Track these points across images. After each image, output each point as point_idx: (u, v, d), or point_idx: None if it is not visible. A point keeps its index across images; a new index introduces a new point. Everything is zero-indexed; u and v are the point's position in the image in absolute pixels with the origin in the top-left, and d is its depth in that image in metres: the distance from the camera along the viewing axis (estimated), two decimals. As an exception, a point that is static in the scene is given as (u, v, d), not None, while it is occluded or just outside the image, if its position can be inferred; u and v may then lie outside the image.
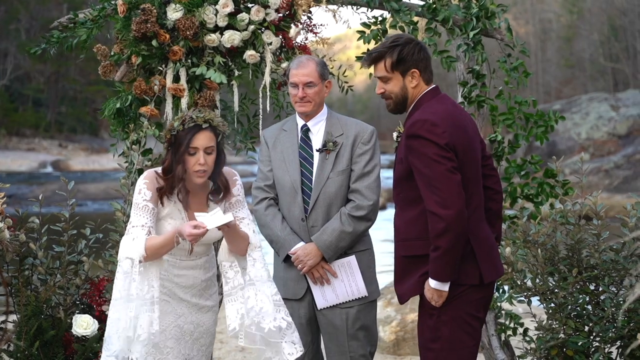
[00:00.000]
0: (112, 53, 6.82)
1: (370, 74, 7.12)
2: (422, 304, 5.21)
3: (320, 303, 5.91)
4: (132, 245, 5.00)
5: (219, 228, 4.95)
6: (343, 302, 5.90)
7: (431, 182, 4.91)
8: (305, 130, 5.96)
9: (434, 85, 5.25)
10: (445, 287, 5.01)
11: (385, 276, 16.33)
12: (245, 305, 5.12)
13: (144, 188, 5.16)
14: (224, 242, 5.23)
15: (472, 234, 5.08)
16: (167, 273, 5.25)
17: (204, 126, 5.08)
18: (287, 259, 5.91)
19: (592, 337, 6.35)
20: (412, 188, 5.08)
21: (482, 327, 5.28)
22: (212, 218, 4.90)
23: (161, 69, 6.67)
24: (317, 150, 5.92)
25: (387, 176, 47.18)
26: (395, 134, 5.55)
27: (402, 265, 5.22)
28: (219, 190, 5.26)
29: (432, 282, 5.02)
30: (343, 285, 5.90)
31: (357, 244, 5.93)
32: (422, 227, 5.06)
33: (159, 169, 5.21)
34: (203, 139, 5.08)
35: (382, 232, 24.11)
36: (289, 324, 5.19)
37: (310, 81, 5.88)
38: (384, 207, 33.65)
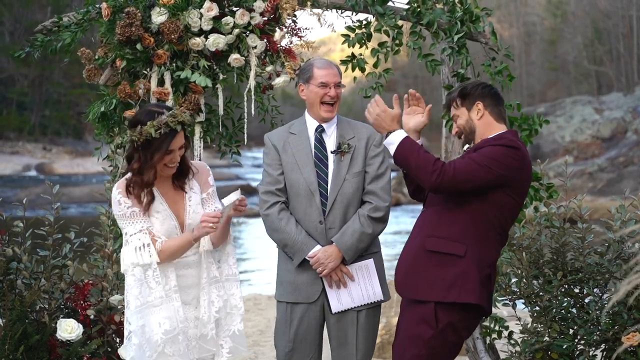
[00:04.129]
0: (96, 57, 6.80)
1: (355, 78, 7.14)
2: (420, 315, 5.25)
3: (335, 307, 5.88)
4: (141, 252, 5.04)
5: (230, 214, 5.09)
6: (357, 306, 5.91)
7: (471, 158, 5.14)
8: (320, 131, 5.97)
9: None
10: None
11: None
12: (217, 303, 5.21)
13: (121, 198, 5.16)
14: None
15: (493, 266, 5.27)
16: None
17: (178, 129, 5.09)
18: (300, 262, 5.91)
19: (576, 340, 6.37)
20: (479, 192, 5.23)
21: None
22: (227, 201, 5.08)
23: (146, 72, 6.66)
24: (332, 152, 5.93)
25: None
26: (466, 147, 5.67)
27: (420, 258, 5.30)
28: (182, 171, 5.28)
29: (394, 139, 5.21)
30: (359, 288, 5.89)
31: (369, 246, 5.95)
32: (459, 229, 5.19)
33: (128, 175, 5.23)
34: (179, 141, 5.11)
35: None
36: (242, 328, 5.35)
37: (340, 81, 5.96)
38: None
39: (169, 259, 5.09)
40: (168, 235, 5.11)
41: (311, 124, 6.00)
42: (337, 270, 5.84)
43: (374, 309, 5.98)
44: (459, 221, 5.20)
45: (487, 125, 5.36)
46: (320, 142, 5.96)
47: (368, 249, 5.94)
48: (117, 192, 5.17)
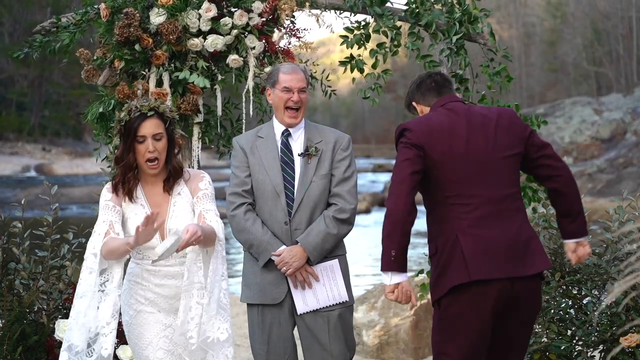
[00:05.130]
0: (95, 57, 6.81)
1: (354, 79, 7.15)
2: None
3: (301, 308, 5.88)
4: (92, 240, 5.06)
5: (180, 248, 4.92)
6: (323, 307, 5.92)
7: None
8: (287, 135, 5.97)
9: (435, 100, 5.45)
10: (386, 279, 5.07)
11: (368, 279, 16.36)
12: (195, 309, 5.09)
13: (104, 192, 5.26)
14: None
15: (464, 233, 5.12)
16: (147, 283, 5.21)
17: (149, 114, 5.10)
18: (265, 263, 5.92)
19: (574, 341, 6.37)
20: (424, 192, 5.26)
21: (478, 328, 5.19)
22: (163, 245, 4.89)
23: (144, 73, 6.67)
24: (299, 155, 5.94)
25: (371, 179, 47.25)
26: None
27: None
28: (173, 176, 5.26)
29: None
30: (325, 289, 5.89)
31: (335, 249, 5.96)
32: (432, 229, 5.24)
33: None
34: (150, 127, 5.10)
35: (366, 237, 24.14)
36: (229, 337, 5.17)
37: (304, 86, 5.93)
38: (368, 211, 33.65)
39: (107, 255, 5.03)
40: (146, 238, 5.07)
41: (278, 128, 6.00)
42: (302, 270, 5.85)
43: (345, 309, 5.98)
44: (431, 222, 5.27)
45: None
46: (286, 145, 5.97)
47: (334, 251, 5.96)
48: (104, 188, 5.28)
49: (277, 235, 5.88)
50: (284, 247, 5.85)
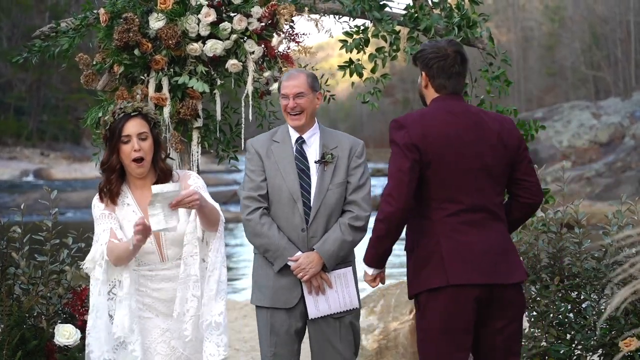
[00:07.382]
0: (94, 62, 6.81)
1: (353, 83, 7.15)
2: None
3: (312, 313, 5.93)
4: (95, 251, 5.06)
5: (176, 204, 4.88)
6: (334, 313, 5.96)
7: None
8: (301, 142, 5.99)
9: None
10: (368, 270, 5.38)
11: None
12: (191, 302, 5.10)
13: (96, 203, 5.24)
14: (190, 226, 5.15)
15: (446, 237, 5.14)
16: (145, 289, 5.20)
17: (132, 114, 5.11)
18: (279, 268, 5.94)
19: (573, 345, 6.37)
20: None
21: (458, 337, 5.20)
22: (161, 186, 4.84)
23: (143, 78, 6.67)
24: (315, 162, 5.97)
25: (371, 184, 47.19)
26: None
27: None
28: (162, 178, 5.23)
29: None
30: (337, 296, 5.96)
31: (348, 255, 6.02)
32: (413, 223, 5.27)
33: None
34: (134, 126, 5.10)
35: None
36: (225, 322, 5.17)
37: (301, 92, 5.92)
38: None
39: (115, 262, 5.04)
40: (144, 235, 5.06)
41: (293, 133, 6.03)
42: (317, 276, 5.90)
43: (354, 315, 6.06)
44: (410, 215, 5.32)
45: (429, 97, 5.31)
46: (300, 153, 5.99)
47: (345, 257, 6.02)
48: (95, 198, 5.26)
49: (293, 241, 5.92)
50: (300, 252, 5.88)
